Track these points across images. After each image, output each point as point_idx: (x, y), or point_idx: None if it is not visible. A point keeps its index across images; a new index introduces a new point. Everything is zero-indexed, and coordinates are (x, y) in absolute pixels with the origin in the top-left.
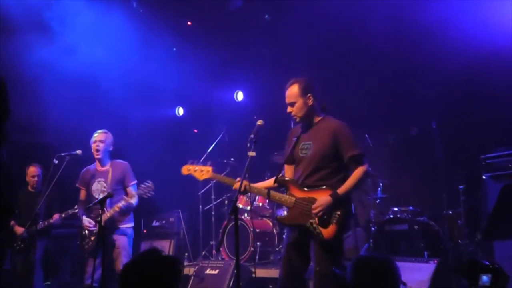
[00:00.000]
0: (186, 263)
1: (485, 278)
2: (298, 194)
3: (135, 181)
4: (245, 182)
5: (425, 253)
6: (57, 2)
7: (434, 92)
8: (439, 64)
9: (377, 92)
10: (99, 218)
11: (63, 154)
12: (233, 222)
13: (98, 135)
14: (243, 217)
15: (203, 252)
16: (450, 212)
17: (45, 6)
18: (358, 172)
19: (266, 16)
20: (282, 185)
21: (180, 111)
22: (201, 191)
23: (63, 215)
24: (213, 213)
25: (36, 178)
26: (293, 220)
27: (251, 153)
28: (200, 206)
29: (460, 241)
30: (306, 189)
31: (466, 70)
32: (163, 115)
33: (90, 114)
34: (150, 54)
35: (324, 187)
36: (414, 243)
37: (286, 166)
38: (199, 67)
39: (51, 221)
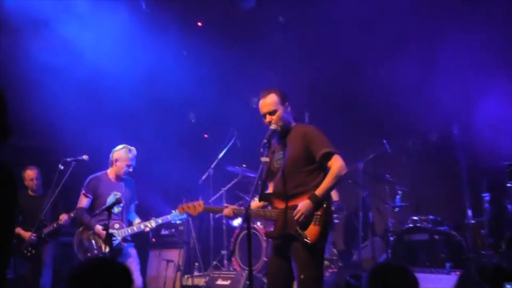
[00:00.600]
0: (196, 273)
1: (509, 287)
2: (281, 205)
3: (136, 202)
4: (231, 207)
5: (447, 264)
6: (64, 3)
7: (455, 94)
8: (456, 68)
9: (395, 98)
10: (118, 230)
11: (68, 159)
12: (246, 231)
13: (133, 157)
14: (255, 225)
15: (214, 262)
16: (473, 221)
17: (50, 8)
18: (333, 169)
19: (280, 18)
20: (267, 201)
21: (192, 117)
22: (212, 199)
23: (71, 215)
24: (224, 221)
25: (35, 181)
26: (280, 232)
27: (264, 159)
28: (211, 215)
29: (483, 252)
30: (288, 199)
31: None
32: (173, 120)
33: (95, 118)
34: (159, 57)
35: (304, 193)
36: (434, 253)
37: (270, 184)
38: (210, 70)
39: (60, 222)
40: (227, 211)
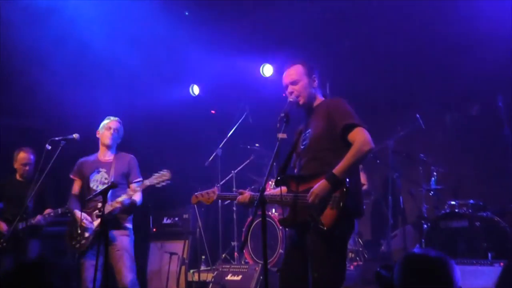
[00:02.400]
0: (203, 267)
1: None
2: (296, 188)
3: (141, 179)
4: (248, 193)
5: (489, 254)
6: None
7: (499, 61)
8: (504, 25)
9: (429, 64)
10: (100, 212)
11: (57, 138)
12: (259, 219)
13: (112, 122)
14: (270, 213)
15: (223, 255)
16: None
17: None
18: (355, 144)
19: None
20: (283, 185)
21: (195, 89)
22: (221, 182)
23: (46, 215)
24: (234, 208)
25: (27, 167)
26: (293, 219)
27: (281, 135)
28: (219, 201)
29: None
30: (306, 180)
31: None
32: (174, 95)
33: (90, 94)
34: (157, 18)
35: (324, 174)
36: (475, 242)
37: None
38: (217, 36)
39: (32, 221)
40: (242, 197)
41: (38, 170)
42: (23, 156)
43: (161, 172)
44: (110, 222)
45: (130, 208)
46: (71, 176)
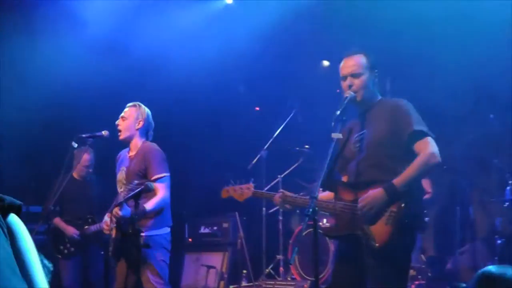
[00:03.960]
0: (244, 283)
1: None
2: (349, 196)
3: (164, 174)
4: (287, 194)
5: None
6: None
7: None
8: None
9: (505, 56)
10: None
11: (84, 135)
12: (309, 230)
13: (124, 112)
14: (320, 223)
15: (267, 270)
16: None
17: None
18: (422, 155)
19: None
20: (331, 189)
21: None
22: (265, 188)
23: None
24: (280, 217)
25: (90, 169)
26: (340, 230)
27: (337, 135)
28: (264, 209)
29: None
30: (359, 188)
31: None
32: (215, 89)
33: (120, 88)
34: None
35: (383, 182)
36: None
37: (343, 175)
38: (264, 23)
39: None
40: (279, 198)
41: (63, 170)
42: (86, 158)
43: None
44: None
45: (134, 218)
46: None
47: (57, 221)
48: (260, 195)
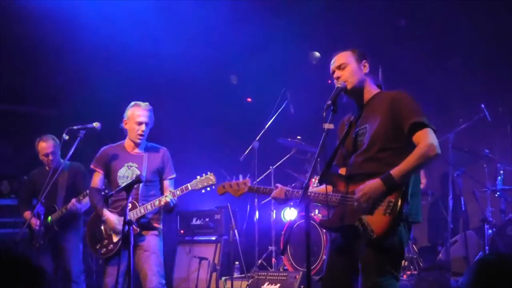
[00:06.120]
0: (236, 274)
1: None
2: (345, 188)
3: (175, 175)
4: (283, 188)
5: None
6: None
7: None
8: None
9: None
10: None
11: (75, 127)
12: (300, 221)
13: (142, 113)
14: (313, 214)
15: (259, 261)
16: None
17: None
18: (420, 146)
19: None
20: (329, 182)
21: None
22: (257, 179)
23: (81, 198)
24: (273, 209)
25: (50, 157)
26: (339, 222)
27: (328, 125)
28: (256, 200)
29: None
30: (357, 180)
31: None
32: (207, 81)
33: (112, 80)
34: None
35: (381, 174)
36: None
37: (341, 169)
38: (255, 14)
39: (68, 208)
40: (277, 192)
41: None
42: (42, 146)
43: (206, 175)
44: (141, 224)
45: (172, 208)
46: (93, 167)
47: (26, 215)
48: (256, 190)
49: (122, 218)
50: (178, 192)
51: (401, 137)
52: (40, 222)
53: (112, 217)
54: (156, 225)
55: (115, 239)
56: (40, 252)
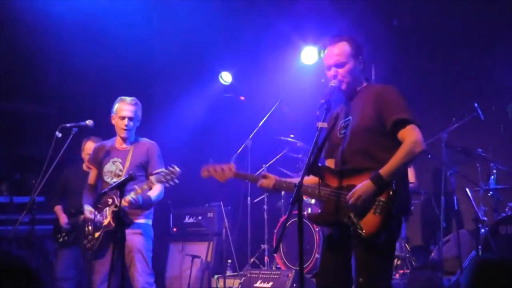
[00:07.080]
0: (229, 272)
1: None
2: (335, 183)
3: (163, 169)
4: (273, 177)
5: None
6: None
7: None
8: None
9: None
10: (115, 208)
11: (68, 125)
12: (294, 219)
13: (126, 107)
14: (305, 212)
15: (252, 259)
16: None
17: None
18: (405, 143)
19: None
20: (317, 175)
21: (226, 77)
22: None
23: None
24: (265, 207)
25: None
26: (327, 217)
27: (322, 124)
28: (249, 198)
29: None
30: (345, 176)
31: None
32: (199, 79)
33: (103, 79)
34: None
35: (370, 171)
36: None
37: (328, 160)
38: (248, 9)
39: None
40: (264, 183)
41: (47, 160)
42: (89, 147)
43: (170, 168)
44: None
45: (143, 206)
46: (88, 164)
47: (56, 209)
48: (244, 177)
49: (101, 213)
50: (139, 191)
51: (385, 132)
52: (68, 220)
53: (86, 211)
54: (138, 221)
55: (96, 234)
56: (61, 247)
